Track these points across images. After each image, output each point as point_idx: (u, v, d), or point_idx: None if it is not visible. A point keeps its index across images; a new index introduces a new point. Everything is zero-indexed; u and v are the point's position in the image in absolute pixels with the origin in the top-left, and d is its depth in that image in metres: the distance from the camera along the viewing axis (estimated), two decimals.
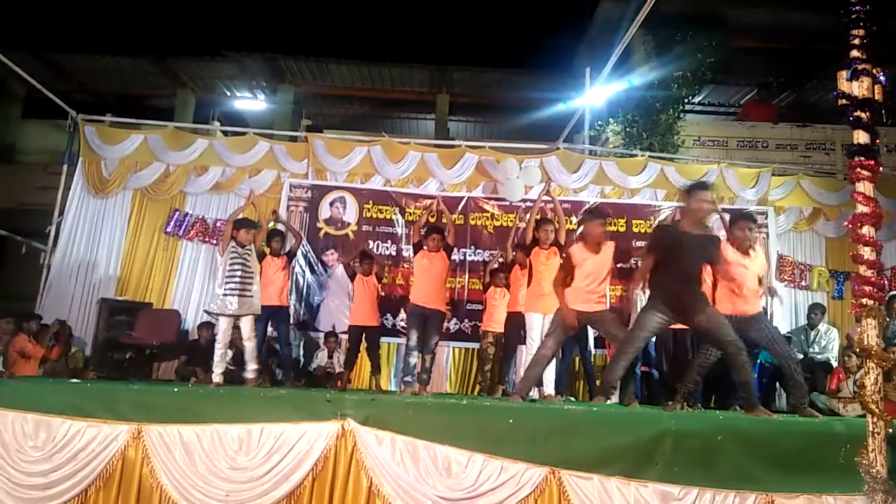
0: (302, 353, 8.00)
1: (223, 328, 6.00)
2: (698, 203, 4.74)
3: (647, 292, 6.96)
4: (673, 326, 5.30)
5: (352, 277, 7.18)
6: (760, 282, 5.40)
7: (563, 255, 5.77)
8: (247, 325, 6.07)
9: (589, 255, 5.31)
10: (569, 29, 13.82)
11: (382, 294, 7.39)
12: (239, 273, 6.00)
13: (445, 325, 8.00)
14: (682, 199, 4.97)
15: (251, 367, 6.03)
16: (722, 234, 6.70)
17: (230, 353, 7.55)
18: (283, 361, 7.16)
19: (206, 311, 6.23)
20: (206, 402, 4.29)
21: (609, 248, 5.39)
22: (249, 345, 6.08)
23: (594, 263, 5.30)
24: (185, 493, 3.97)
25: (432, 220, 7.82)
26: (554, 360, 6.23)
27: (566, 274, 5.39)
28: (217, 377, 5.92)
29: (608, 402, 5.01)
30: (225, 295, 5.95)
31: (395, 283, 8.50)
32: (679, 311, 4.80)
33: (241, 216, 6.60)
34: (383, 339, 7.82)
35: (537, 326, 6.03)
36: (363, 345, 7.10)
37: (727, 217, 6.31)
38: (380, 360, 7.16)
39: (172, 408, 4.21)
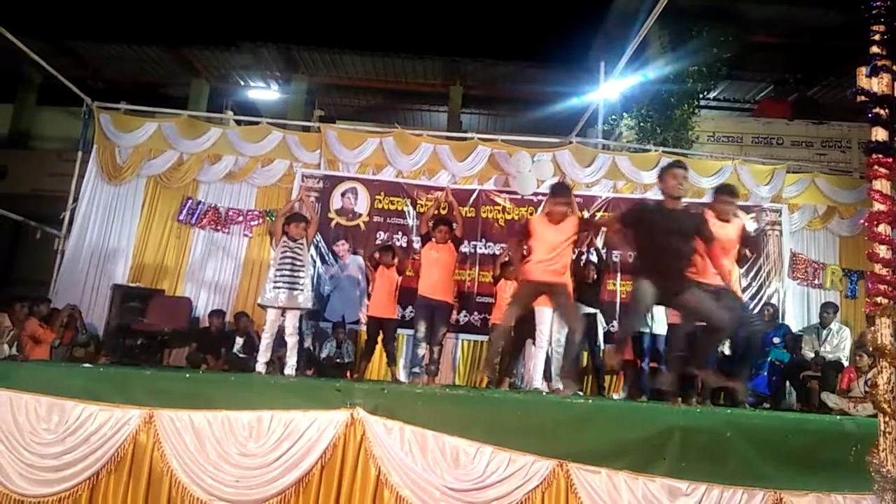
0: (311, 342, 8.03)
1: (270, 319, 6.04)
2: (673, 179, 4.82)
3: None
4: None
5: (374, 267, 7.21)
6: (737, 255, 5.49)
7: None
8: (292, 321, 6.10)
9: (549, 227, 5.30)
10: (584, 22, 13.76)
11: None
12: (289, 266, 6.05)
13: (454, 317, 8.01)
14: (659, 179, 5.03)
15: (290, 364, 6.06)
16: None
17: (241, 341, 7.65)
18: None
19: (258, 304, 6.28)
20: (217, 389, 4.33)
21: (571, 221, 5.36)
22: (291, 341, 6.09)
23: (554, 235, 5.29)
24: (194, 478, 4.00)
25: (443, 211, 7.82)
26: (563, 355, 6.24)
27: (520, 242, 5.45)
28: (261, 367, 5.97)
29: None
30: (275, 287, 6.00)
31: (406, 274, 8.50)
32: (664, 288, 4.79)
33: (292, 211, 6.63)
34: None
35: (547, 320, 6.03)
36: (380, 336, 7.13)
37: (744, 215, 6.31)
38: (395, 352, 7.19)
39: (184, 393, 4.25)
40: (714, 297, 5.02)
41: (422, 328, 6.58)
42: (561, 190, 5.55)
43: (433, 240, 6.64)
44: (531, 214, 8.60)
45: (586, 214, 8.48)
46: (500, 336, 5.62)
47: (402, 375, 7.33)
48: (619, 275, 8.45)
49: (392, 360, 7.16)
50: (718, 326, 4.76)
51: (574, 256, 6.70)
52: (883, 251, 3.48)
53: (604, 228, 7.94)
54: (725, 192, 5.44)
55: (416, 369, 6.68)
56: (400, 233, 8.68)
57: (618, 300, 8.38)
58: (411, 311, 7.52)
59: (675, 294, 4.80)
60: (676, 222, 4.77)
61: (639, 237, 4.93)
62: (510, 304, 5.48)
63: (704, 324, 4.86)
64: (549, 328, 5.96)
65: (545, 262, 5.24)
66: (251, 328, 7.82)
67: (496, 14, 15.68)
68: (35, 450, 4.15)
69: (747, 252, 7.06)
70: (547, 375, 6.23)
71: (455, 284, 7.40)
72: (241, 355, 7.48)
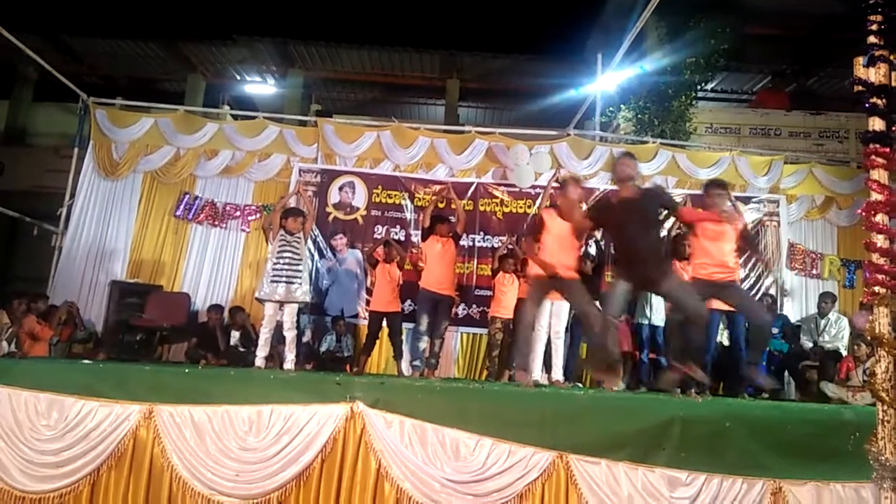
0: (310, 336, 8.04)
1: (269, 314, 6.04)
2: (621, 168, 4.90)
3: None
4: None
5: (374, 265, 7.21)
6: (739, 250, 5.46)
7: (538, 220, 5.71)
8: (290, 314, 6.10)
9: (558, 221, 5.31)
10: (580, 14, 13.68)
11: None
12: (287, 260, 6.06)
13: (454, 310, 8.02)
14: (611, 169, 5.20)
15: (289, 358, 6.06)
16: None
17: (237, 334, 7.67)
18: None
19: (256, 299, 6.29)
20: (217, 384, 4.34)
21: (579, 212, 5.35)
22: (290, 335, 6.09)
23: (563, 229, 5.29)
24: (195, 473, 4.01)
25: (441, 206, 7.82)
26: (562, 346, 6.25)
27: (535, 235, 5.44)
28: (260, 361, 5.97)
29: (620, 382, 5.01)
30: (272, 281, 6.01)
31: (405, 268, 8.50)
32: (641, 279, 4.84)
33: (288, 205, 6.65)
34: None
35: (546, 312, 6.03)
36: (383, 331, 7.11)
37: (740, 205, 6.30)
38: (402, 346, 7.17)
39: (183, 388, 4.26)
40: (714, 290, 5.09)
41: (424, 321, 6.60)
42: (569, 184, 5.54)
43: (436, 234, 6.64)
44: (529, 207, 8.61)
45: (584, 207, 8.47)
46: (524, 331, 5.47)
47: (404, 369, 7.33)
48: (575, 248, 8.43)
49: (399, 354, 7.13)
50: (692, 316, 4.77)
51: None
52: (880, 241, 3.49)
53: None
54: (716, 185, 5.44)
55: (417, 362, 6.70)
56: (398, 226, 8.66)
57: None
58: (411, 305, 7.52)
59: (653, 282, 4.82)
60: (635, 208, 4.79)
61: (609, 231, 4.99)
62: (527, 297, 5.44)
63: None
64: (548, 319, 5.97)
65: (555, 256, 5.25)
66: (247, 322, 7.83)
67: (492, 6, 15.62)
68: (35, 446, 4.16)
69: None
70: (546, 367, 6.23)
71: (456, 278, 7.40)
72: (239, 349, 7.49)
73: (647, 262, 4.76)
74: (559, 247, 5.26)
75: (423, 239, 6.92)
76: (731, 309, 5.55)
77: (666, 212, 5.10)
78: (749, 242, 5.55)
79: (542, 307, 6.10)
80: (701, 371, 4.88)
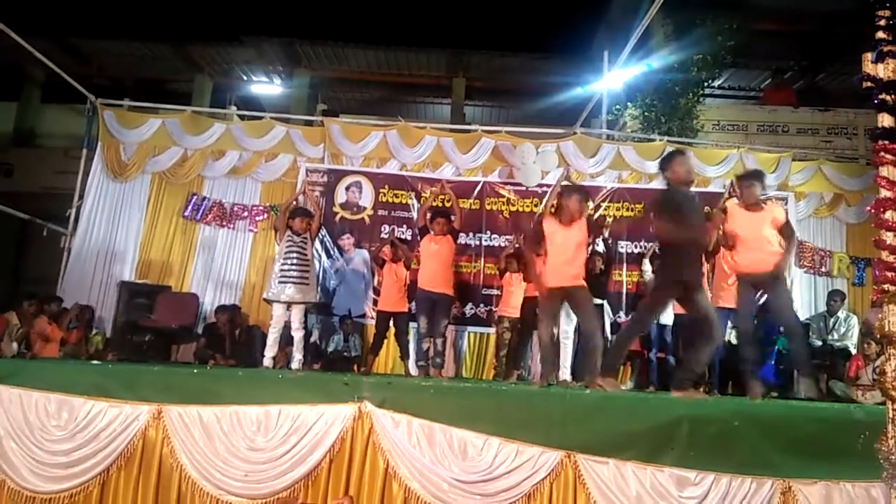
0: (318, 336, 8.07)
1: (277, 314, 6.07)
2: (680, 167, 4.79)
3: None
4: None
5: (381, 265, 7.22)
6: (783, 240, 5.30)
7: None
8: (297, 315, 6.12)
9: (559, 229, 5.18)
10: (587, 12, 13.64)
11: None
12: (294, 261, 6.08)
13: (461, 309, 8.04)
14: (665, 169, 4.90)
15: (297, 358, 6.08)
16: None
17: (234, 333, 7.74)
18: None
19: (264, 299, 6.31)
20: (225, 384, 4.34)
21: (581, 225, 5.22)
22: (297, 335, 6.12)
23: (565, 237, 5.16)
24: (204, 473, 4.02)
25: (448, 204, 7.82)
26: (571, 346, 6.25)
27: (535, 244, 5.32)
28: (268, 361, 6.00)
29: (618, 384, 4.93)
30: (281, 282, 6.02)
31: (412, 267, 8.50)
32: (682, 286, 4.74)
33: (295, 206, 6.69)
34: None
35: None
36: (391, 331, 7.12)
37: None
38: (408, 346, 7.17)
39: (192, 389, 4.26)
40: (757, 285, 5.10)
41: (423, 322, 6.62)
42: (577, 188, 5.49)
43: (431, 232, 6.65)
44: (536, 206, 8.60)
45: (591, 205, 8.46)
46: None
47: (411, 369, 7.35)
48: (625, 266, 8.44)
49: (405, 354, 7.13)
50: (711, 322, 4.70)
51: None
52: (890, 238, 3.46)
53: (609, 219, 7.98)
54: (752, 176, 5.34)
55: (422, 363, 6.71)
56: (405, 226, 8.67)
57: (624, 291, 8.37)
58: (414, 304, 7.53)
59: (692, 288, 4.74)
60: (698, 206, 4.83)
61: (670, 225, 4.73)
62: (540, 319, 5.33)
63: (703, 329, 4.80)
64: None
65: (561, 264, 5.13)
66: (244, 322, 7.95)
67: (498, 5, 15.59)
68: (45, 447, 4.17)
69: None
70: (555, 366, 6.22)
71: (454, 276, 7.39)
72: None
73: (696, 268, 4.79)
74: (564, 256, 5.12)
75: (420, 238, 6.94)
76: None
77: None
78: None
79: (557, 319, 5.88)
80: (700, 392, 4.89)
